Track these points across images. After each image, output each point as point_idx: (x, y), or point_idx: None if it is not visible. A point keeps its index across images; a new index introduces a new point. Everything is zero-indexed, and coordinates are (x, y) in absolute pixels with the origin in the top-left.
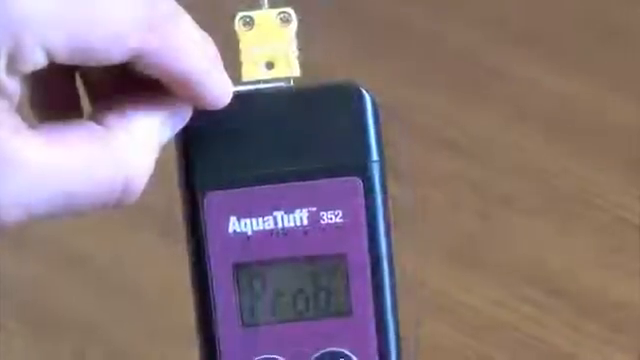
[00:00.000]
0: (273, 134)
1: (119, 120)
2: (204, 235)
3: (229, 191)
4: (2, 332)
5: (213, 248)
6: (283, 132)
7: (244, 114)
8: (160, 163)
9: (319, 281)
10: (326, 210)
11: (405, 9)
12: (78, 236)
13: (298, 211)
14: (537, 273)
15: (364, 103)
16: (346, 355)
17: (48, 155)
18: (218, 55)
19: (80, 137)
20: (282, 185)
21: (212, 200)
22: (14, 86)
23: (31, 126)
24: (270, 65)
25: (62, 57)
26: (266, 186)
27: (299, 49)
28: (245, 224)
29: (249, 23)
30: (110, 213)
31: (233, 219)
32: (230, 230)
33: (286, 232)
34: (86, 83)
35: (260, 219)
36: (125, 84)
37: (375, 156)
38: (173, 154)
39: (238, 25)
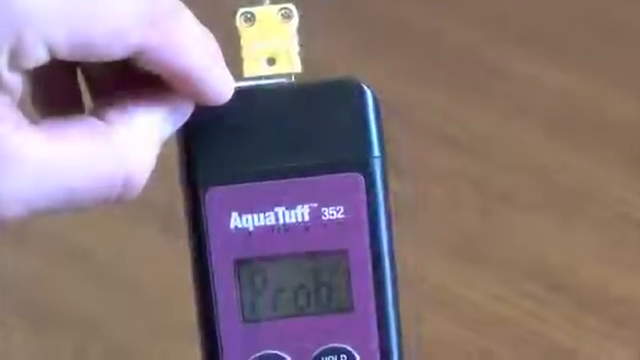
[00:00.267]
0: (274, 130)
1: (120, 116)
2: (205, 231)
3: (231, 187)
4: (2, 328)
5: (214, 244)
6: (284, 128)
7: (245, 110)
8: (162, 158)
9: (320, 277)
10: (327, 206)
11: (405, 7)
12: (79, 231)
13: (299, 207)
14: (538, 268)
15: (365, 99)
16: (348, 351)
17: (49, 151)
18: (219, 51)
19: (81, 133)
20: (283, 181)
21: (213, 196)
22: (16, 82)
23: (32, 122)
24: (271, 61)
25: (63, 53)
26: (267, 182)
27: (300, 45)
28: (246, 220)
29: (250, 19)
30: (111, 208)
31: (234, 215)
32: (231, 226)
33: (287, 228)
34: (87, 79)
35: (261, 215)
36: (126, 80)
37: (376, 152)
38: (175, 149)
39: (239, 21)
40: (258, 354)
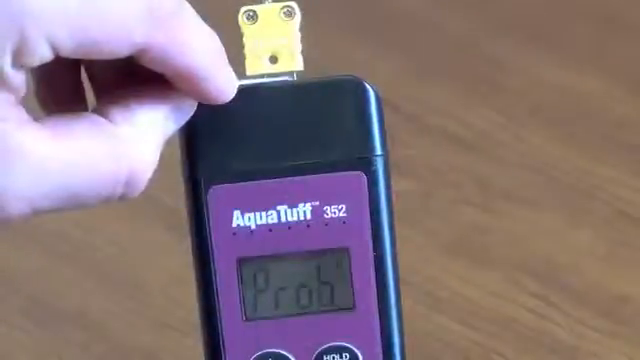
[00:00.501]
0: (277, 128)
1: (124, 114)
2: (207, 229)
3: (233, 185)
4: (5, 326)
5: (216, 242)
6: (287, 126)
7: (248, 108)
8: (165, 156)
9: (322, 275)
10: (329, 204)
11: (407, 3)
12: (82, 229)
13: (302, 205)
14: (541, 266)
15: (367, 97)
16: (350, 349)
17: (53, 148)
18: (222, 49)
19: (85, 130)
20: (286, 179)
21: (216, 194)
22: (20, 80)
23: (36, 119)
24: (274, 59)
25: (67, 51)
26: (270, 180)
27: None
28: (249, 218)
29: (253, 17)
30: (115, 206)
31: (237, 213)
32: (234, 224)
33: (289, 226)
34: (91, 77)
35: (264, 213)
36: (130, 78)
37: (379, 150)
38: (178, 147)
39: (242, 19)
40: (260, 352)
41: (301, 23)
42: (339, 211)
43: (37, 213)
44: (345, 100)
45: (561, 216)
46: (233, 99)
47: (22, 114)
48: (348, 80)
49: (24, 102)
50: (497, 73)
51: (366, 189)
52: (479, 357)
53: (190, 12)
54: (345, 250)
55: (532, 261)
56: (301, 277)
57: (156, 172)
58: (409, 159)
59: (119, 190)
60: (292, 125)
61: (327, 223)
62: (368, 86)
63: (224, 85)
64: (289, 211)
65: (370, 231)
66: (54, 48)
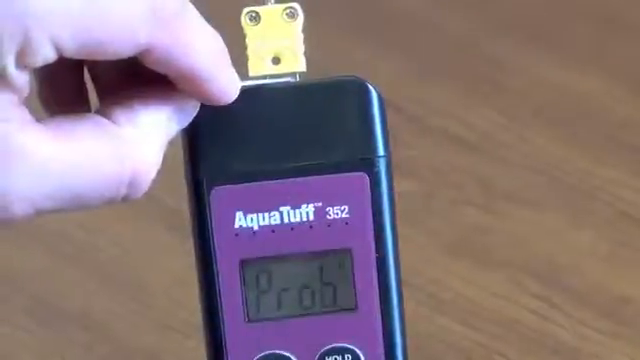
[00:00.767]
0: (279, 129)
1: (127, 114)
2: (210, 230)
3: (235, 186)
4: (9, 326)
5: (219, 243)
6: (289, 127)
7: (250, 109)
8: (168, 157)
9: (325, 276)
10: (332, 205)
11: (407, 3)
12: (85, 230)
13: (304, 206)
14: (543, 267)
15: (370, 98)
16: (352, 350)
17: (55, 149)
18: (226, 50)
19: (88, 131)
20: (288, 180)
21: (218, 195)
22: (23, 80)
23: (39, 120)
24: (276, 60)
25: (70, 51)
26: (272, 181)
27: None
28: (251, 219)
29: (255, 18)
30: (118, 207)
31: (239, 214)
32: (236, 225)
33: (292, 227)
34: (94, 77)
35: (266, 214)
36: (133, 79)
37: (381, 151)
38: (181, 148)
39: (244, 20)
40: (262, 354)
41: (303, 24)
42: (342, 212)
43: (40, 214)
44: (348, 101)
45: (563, 217)
46: (236, 100)
47: (25, 115)
48: (350, 81)
49: (27, 103)
50: (498, 73)
51: (368, 190)
52: (481, 358)
53: (193, 13)
54: (347, 251)
55: (534, 262)
56: (303, 278)
57: (159, 173)
58: (411, 160)
59: (122, 191)
60: (295, 126)
61: (330, 224)
62: (370, 87)
63: (227, 86)
64: (292, 212)
65: (372, 232)
66: (57, 48)
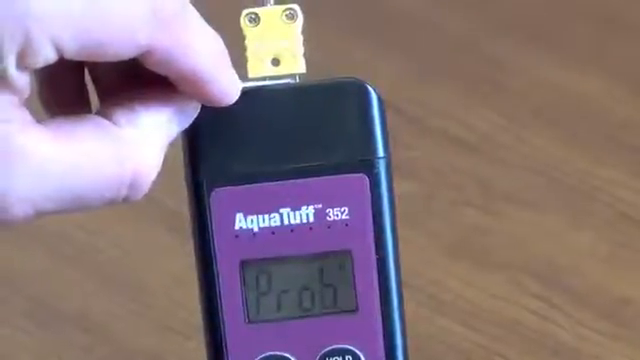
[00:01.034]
0: (279, 131)
1: (127, 116)
2: (210, 231)
3: (235, 187)
4: (8, 327)
5: (219, 244)
6: (289, 129)
7: (250, 111)
8: (168, 159)
9: (325, 278)
10: (332, 207)
11: (407, 3)
12: (86, 231)
13: (304, 208)
14: (543, 268)
15: (370, 99)
16: (352, 352)
17: (56, 150)
18: (226, 52)
19: (88, 132)
20: (288, 182)
21: (218, 196)
22: (24, 81)
23: (39, 121)
24: (276, 62)
25: (71, 52)
26: (272, 183)
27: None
28: (251, 221)
29: (255, 20)
30: (118, 208)
31: (239, 215)
32: (236, 226)
33: (292, 229)
34: (94, 79)
35: (266, 216)
36: (133, 80)
37: (381, 152)
38: (181, 150)
39: (244, 22)
40: (263, 355)
41: (303, 25)
42: (342, 213)
43: (40, 215)
44: (347, 102)
45: (563, 218)
46: (235, 102)
47: (26, 116)
48: (350, 82)
49: (28, 104)
50: (497, 73)
51: (368, 191)
52: (482, 359)
53: (193, 14)
54: (348, 252)
55: (534, 263)
56: (304, 280)
57: (159, 174)
58: (411, 161)
59: (123, 192)
60: (294, 128)
61: (330, 226)
62: (370, 88)
63: (228, 87)
64: (292, 214)
65: (372, 233)
66: (58, 49)
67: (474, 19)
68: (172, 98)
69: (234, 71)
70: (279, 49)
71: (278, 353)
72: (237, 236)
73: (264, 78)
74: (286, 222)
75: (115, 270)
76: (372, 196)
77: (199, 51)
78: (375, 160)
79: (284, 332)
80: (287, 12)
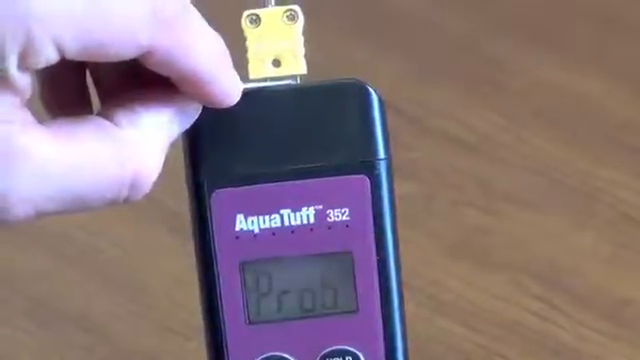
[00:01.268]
0: (280, 132)
1: (129, 117)
2: (211, 232)
3: (236, 189)
4: (9, 328)
5: (220, 246)
6: (290, 130)
7: (251, 112)
8: (169, 160)
9: (325, 279)
10: (333, 208)
11: (407, 3)
12: (86, 232)
13: (305, 209)
14: (543, 269)
15: (370, 100)
16: (353, 353)
17: (57, 151)
18: (227, 52)
19: (89, 133)
20: (289, 183)
21: (219, 197)
22: (25, 82)
23: (41, 122)
24: (277, 63)
25: (73, 53)
26: (273, 184)
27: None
28: (252, 222)
29: (256, 21)
30: (119, 209)
31: (240, 217)
32: (237, 228)
33: (293, 230)
34: (95, 80)
35: (267, 217)
36: (134, 81)
37: (382, 154)
38: (182, 151)
39: (245, 23)
40: (263, 356)
41: (304, 26)
42: (342, 215)
43: (41, 215)
44: (348, 104)
45: (564, 218)
46: (236, 103)
47: (27, 116)
48: (351, 84)
49: (29, 105)
50: (497, 74)
51: (369, 192)
52: None
53: (195, 14)
54: (348, 253)
55: (535, 264)
56: (304, 280)
57: (160, 175)
58: (411, 162)
59: (124, 193)
60: (295, 129)
61: (330, 227)
62: (371, 89)
63: (229, 88)
64: (292, 215)
65: (373, 234)
66: (59, 50)
67: (474, 19)
68: (173, 99)
69: (235, 72)
70: (280, 50)
71: (278, 354)
72: (238, 237)
73: (265, 79)
74: (287, 223)
75: (116, 270)
76: (373, 197)
77: (200, 52)
78: (376, 161)
79: (285, 333)
80: (288, 13)
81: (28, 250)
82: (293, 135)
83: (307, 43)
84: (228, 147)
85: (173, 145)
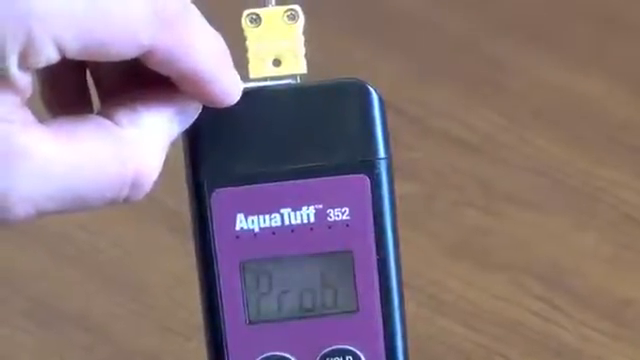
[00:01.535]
0: (280, 131)
1: (129, 116)
2: (211, 232)
3: (236, 188)
4: (9, 327)
5: (220, 245)
6: (290, 129)
7: (251, 111)
8: (169, 159)
9: (326, 278)
10: (333, 207)
11: (407, 3)
12: (87, 231)
13: (305, 208)
14: (545, 269)
15: (371, 100)
16: (353, 352)
17: (57, 150)
18: (228, 52)
19: (90, 132)
20: (289, 182)
21: (219, 197)
22: (26, 81)
23: (41, 121)
24: (277, 62)
25: (73, 52)
26: (273, 183)
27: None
28: (252, 221)
29: (256, 20)
30: (119, 208)
31: (240, 216)
32: (237, 227)
33: (293, 229)
34: (96, 79)
35: (267, 216)
36: (135, 80)
37: (382, 153)
38: (182, 150)
39: (245, 22)
40: (263, 355)
41: (304, 26)
42: (342, 214)
43: (42, 215)
44: (348, 103)
45: (565, 219)
46: (237, 102)
47: (28, 115)
48: (351, 83)
49: (29, 104)
50: (498, 74)
51: (369, 192)
52: None
53: (195, 14)
54: (348, 253)
55: (536, 264)
56: (304, 280)
57: (160, 175)
58: (412, 162)
59: (124, 192)
60: (295, 128)
61: (330, 226)
62: (371, 89)
63: (229, 88)
64: (292, 214)
65: (373, 234)
66: (60, 49)
67: (474, 19)
68: (173, 98)
69: (235, 71)
70: (280, 50)
71: (278, 353)
72: (238, 236)
73: (265, 78)
74: (287, 222)
75: (116, 270)
76: (373, 197)
77: (201, 51)
78: (376, 161)
79: (285, 332)
80: (288, 13)
81: (28, 249)
82: (293, 134)
83: (307, 43)
84: (228, 146)
85: (173, 145)
